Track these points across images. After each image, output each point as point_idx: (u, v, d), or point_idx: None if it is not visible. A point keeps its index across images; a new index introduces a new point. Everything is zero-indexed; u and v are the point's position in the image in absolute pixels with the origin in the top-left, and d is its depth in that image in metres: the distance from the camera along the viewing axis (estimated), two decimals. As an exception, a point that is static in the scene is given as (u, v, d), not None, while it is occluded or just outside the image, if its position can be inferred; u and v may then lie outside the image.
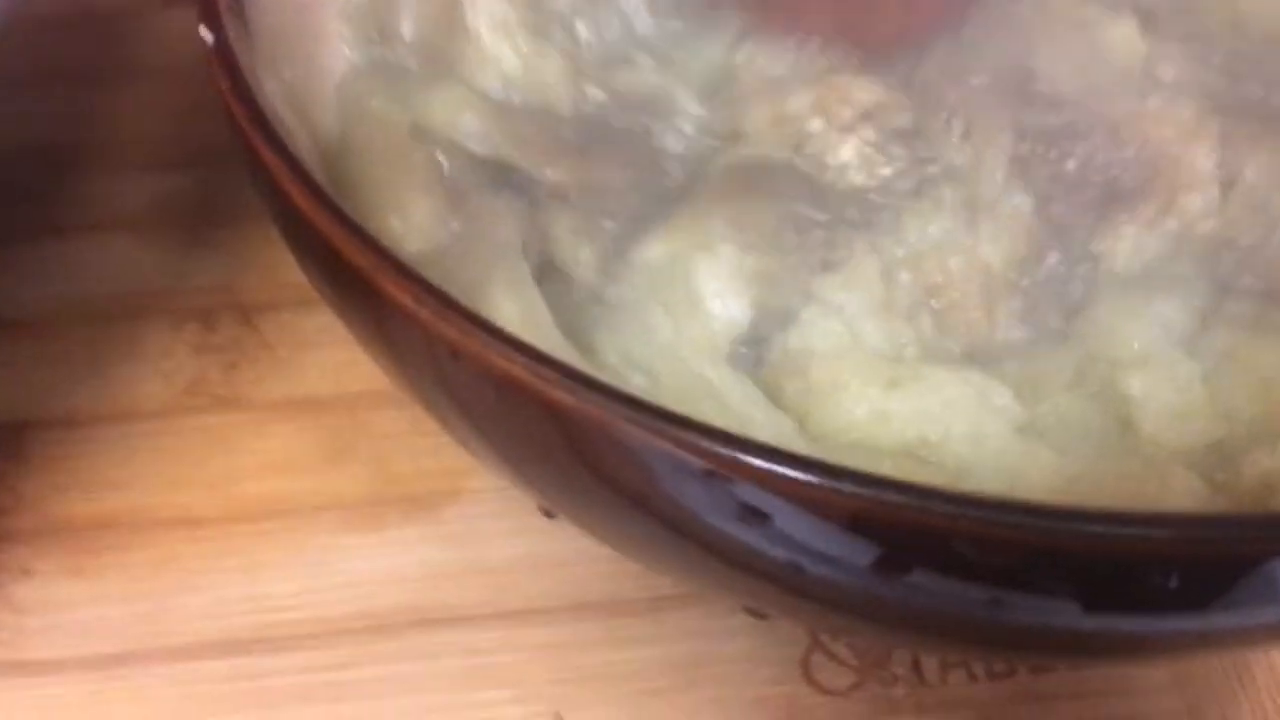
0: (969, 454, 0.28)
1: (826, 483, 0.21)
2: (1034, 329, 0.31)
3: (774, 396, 0.29)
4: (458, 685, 0.33)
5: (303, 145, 0.27)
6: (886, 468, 0.27)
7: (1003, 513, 0.20)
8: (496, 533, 0.35)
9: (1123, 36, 0.35)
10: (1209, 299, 0.31)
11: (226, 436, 0.37)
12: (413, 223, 0.30)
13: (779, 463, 0.21)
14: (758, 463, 0.21)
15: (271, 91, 0.28)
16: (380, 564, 0.35)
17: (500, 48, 0.34)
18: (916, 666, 0.33)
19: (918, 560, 0.21)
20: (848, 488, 0.21)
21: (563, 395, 0.22)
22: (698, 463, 0.21)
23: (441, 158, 0.31)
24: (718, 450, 0.21)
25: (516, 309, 0.28)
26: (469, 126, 0.32)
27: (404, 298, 0.23)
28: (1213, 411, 0.29)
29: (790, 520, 0.22)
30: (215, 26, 0.27)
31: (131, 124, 0.43)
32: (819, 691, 0.33)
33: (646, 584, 0.34)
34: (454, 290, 0.23)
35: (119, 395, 0.38)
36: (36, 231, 0.41)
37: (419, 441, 0.37)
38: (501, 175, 0.32)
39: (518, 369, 0.22)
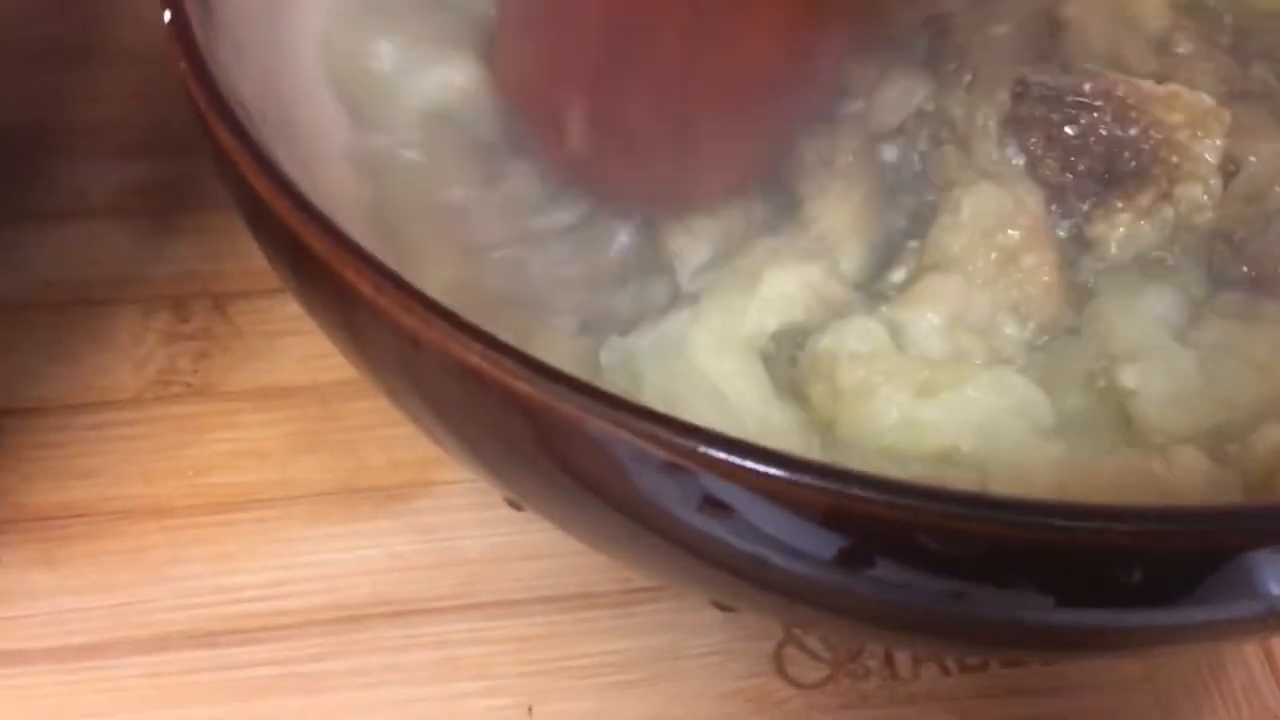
0: (1000, 456, 0.28)
1: (787, 475, 0.20)
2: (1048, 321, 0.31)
3: (802, 397, 0.29)
4: (429, 678, 0.33)
5: (267, 128, 0.27)
6: (915, 470, 0.27)
7: (964, 506, 0.20)
8: (468, 524, 0.35)
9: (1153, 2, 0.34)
10: (1202, 289, 0.31)
11: (197, 426, 0.37)
12: None
13: (738, 454, 0.21)
14: (717, 454, 0.21)
15: (234, 72, 0.28)
16: (351, 555, 0.35)
17: None
18: (889, 660, 0.33)
19: (883, 554, 0.21)
20: (808, 480, 0.20)
21: (522, 386, 0.22)
22: (657, 453, 0.21)
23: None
24: (675, 440, 0.21)
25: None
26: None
27: (364, 285, 0.23)
28: (1211, 398, 0.29)
29: (752, 513, 0.21)
30: (175, 4, 0.27)
31: (106, 107, 0.43)
32: (791, 685, 0.33)
33: (618, 576, 0.34)
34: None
35: (89, 383, 0.38)
36: (6, 216, 0.41)
37: (391, 432, 0.36)
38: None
39: (476, 358, 0.22)
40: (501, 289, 0.31)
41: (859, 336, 0.29)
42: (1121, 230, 0.31)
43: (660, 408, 0.21)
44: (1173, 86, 0.32)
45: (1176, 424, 0.28)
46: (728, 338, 0.30)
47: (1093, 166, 0.31)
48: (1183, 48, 0.34)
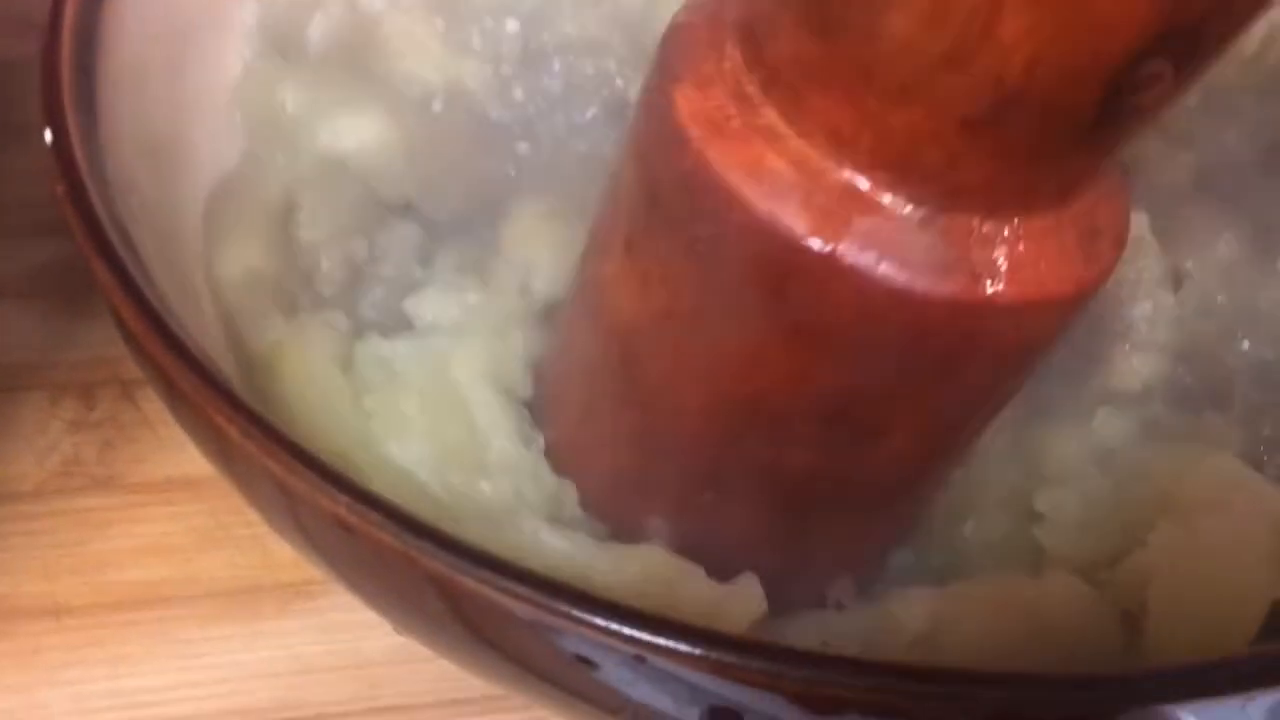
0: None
1: (641, 636, 0.20)
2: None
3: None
4: (327, 787, 0.32)
5: (150, 251, 0.26)
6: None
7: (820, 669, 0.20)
8: (373, 624, 0.34)
9: None
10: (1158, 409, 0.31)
11: (100, 520, 0.36)
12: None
13: (601, 615, 0.20)
14: (581, 615, 0.20)
15: (121, 184, 0.27)
16: (252, 656, 0.34)
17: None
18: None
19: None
20: (662, 642, 0.20)
21: (384, 536, 0.21)
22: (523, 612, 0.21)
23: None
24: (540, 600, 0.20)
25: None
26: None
27: (233, 431, 0.22)
28: (1115, 523, 0.29)
29: (620, 671, 0.21)
30: (56, 123, 0.26)
31: (15, 188, 0.42)
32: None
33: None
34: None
35: (-10, 474, 0.37)
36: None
37: (297, 527, 0.36)
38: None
39: (342, 510, 0.21)
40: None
41: None
42: None
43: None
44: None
45: (1077, 551, 0.28)
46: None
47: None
48: None
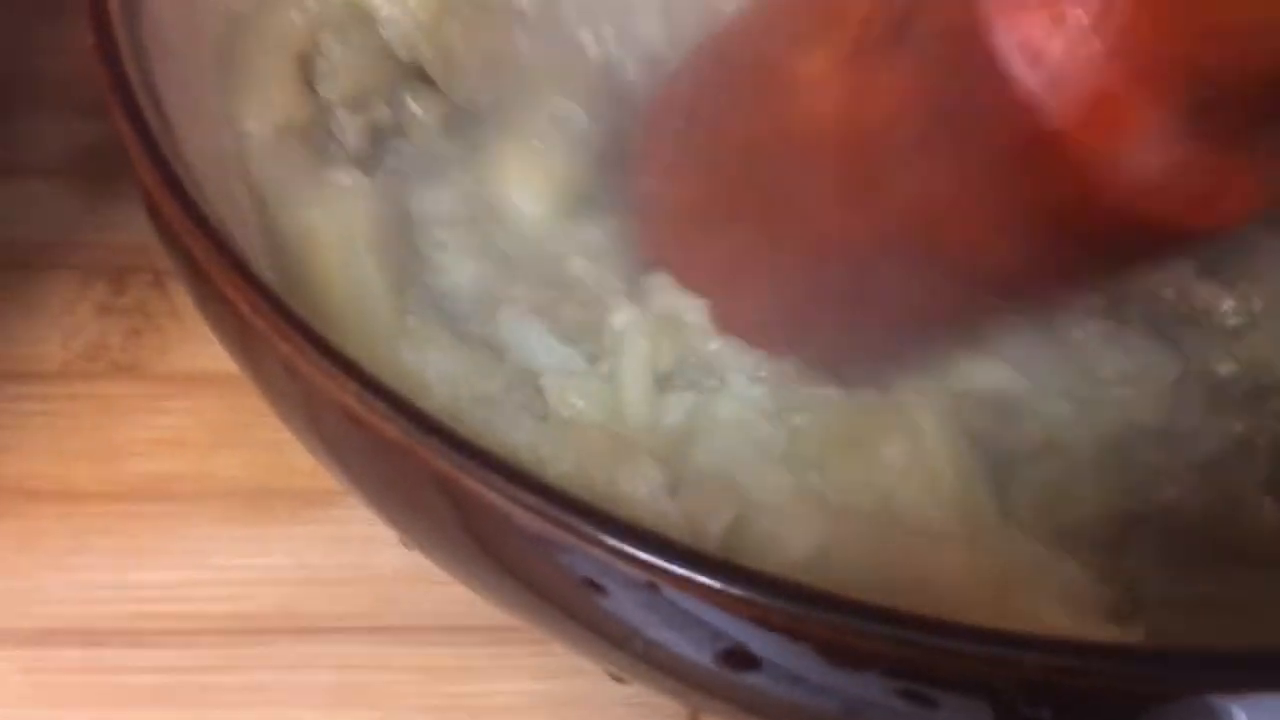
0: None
1: (673, 568, 0.18)
2: None
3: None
4: (325, 701, 0.31)
5: (180, 111, 0.25)
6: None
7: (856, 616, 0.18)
8: (385, 540, 0.33)
9: None
10: None
11: (120, 407, 0.35)
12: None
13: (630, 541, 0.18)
14: (603, 537, 0.19)
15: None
16: (259, 561, 0.33)
17: None
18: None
19: (767, 657, 0.19)
20: (696, 577, 0.18)
21: (391, 430, 0.20)
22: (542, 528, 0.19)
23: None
24: (557, 515, 0.19)
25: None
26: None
27: (243, 305, 0.21)
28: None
29: (634, 599, 0.19)
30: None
31: (63, 61, 0.41)
32: (705, 747, 0.31)
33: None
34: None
35: (14, 352, 0.36)
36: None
37: (318, 433, 0.34)
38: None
39: (351, 400, 0.20)
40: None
41: None
42: None
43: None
44: None
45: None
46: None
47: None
48: None
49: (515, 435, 0.24)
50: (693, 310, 0.28)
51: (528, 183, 0.30)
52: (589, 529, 0.18)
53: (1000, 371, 0.28)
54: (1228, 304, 0.29)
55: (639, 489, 0.23)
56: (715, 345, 0.28)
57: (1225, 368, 0.29)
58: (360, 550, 0.33)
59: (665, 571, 0.18)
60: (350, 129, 0.30)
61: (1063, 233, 0.23)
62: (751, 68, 0.28)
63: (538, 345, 0.27)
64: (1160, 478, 0.28)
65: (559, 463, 0.23)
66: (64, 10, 0.43)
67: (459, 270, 0.29)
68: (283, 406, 0.23)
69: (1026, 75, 0.21)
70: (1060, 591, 0.26)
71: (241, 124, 0.29)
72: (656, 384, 0.27)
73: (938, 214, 0.24)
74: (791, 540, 0.24)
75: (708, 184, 0.28)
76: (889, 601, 0.18)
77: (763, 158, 0.27)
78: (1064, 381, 0.29)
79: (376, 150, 0.31)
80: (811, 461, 0.27)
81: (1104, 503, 0.28)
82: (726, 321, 0.28)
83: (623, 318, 0.27)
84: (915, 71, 0.23)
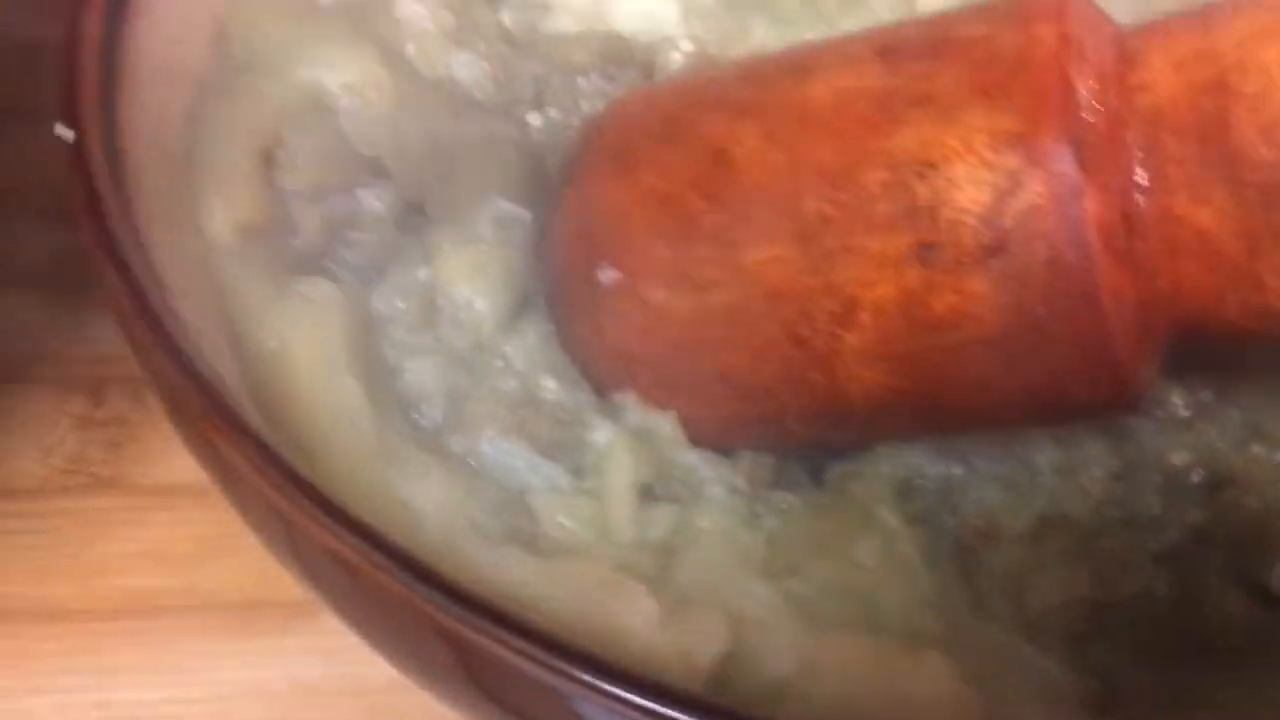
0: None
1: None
2: None
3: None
4: (316, 820, 0.31)
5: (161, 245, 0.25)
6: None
7: None
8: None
9: None
10: None
11: (102, 522, 0.35)
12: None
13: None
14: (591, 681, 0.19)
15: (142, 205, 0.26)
16: (248, 675, 0.33)
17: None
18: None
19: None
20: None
21: (391, 584, 0.20)
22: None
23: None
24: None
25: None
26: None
27: (227, 448, 0.21)
28: None
29: None
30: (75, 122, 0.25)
31: (39, 169, 0.41)
32: None
33: None
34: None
35: (-8, 469, 0.36)
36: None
37: (303, 543, 0.35)
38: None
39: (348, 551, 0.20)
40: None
41: None
42: None
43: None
44: None
45: None
46: None
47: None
48: None
49: (510, 570, 0.24)
50: (665, 424, 0.28)
51: (477, 279, 0.30)
52: (591, 679, 0.18)
53: (930, 455, 0.29)
54: (1177, 395, 0.30)
55: (634, 621, 0.23)
56: (691, 457, 0.28)
57: (1179, 457, 0.30)
58: (350, 661, 0.33)
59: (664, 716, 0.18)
60: (306, 221, 0.30)
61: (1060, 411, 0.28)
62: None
63: (520, 463, 0.28)
64: (1126, 567, 0.29)
65: (554, 601, 0.23)
66: (20, 120, 0.43)
67: (422, 371, 0.29)
68: (274, 550, 0.23)
69: (1111, 315, 0.25)
70: (1040, 689, 0.26)
71: (206, 225, 0.29)
72: (639, 497, 0.27)
73: (973, 389, 0.27)
74: (779, 658, 0.24)
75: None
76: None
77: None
78: (999, 468, 0.29)
79: (330, 244, 0.31)
80: (790, 568, 0.27)
81: (1070, 592, 0.28)
82: (694, 430, 0.29)
83: (603, 435, 0.28)
84: (998, 285, 0.25)
